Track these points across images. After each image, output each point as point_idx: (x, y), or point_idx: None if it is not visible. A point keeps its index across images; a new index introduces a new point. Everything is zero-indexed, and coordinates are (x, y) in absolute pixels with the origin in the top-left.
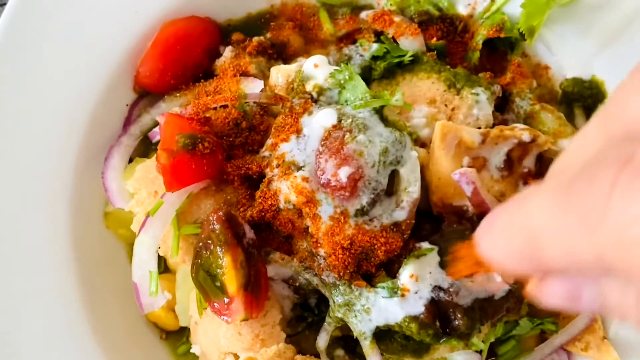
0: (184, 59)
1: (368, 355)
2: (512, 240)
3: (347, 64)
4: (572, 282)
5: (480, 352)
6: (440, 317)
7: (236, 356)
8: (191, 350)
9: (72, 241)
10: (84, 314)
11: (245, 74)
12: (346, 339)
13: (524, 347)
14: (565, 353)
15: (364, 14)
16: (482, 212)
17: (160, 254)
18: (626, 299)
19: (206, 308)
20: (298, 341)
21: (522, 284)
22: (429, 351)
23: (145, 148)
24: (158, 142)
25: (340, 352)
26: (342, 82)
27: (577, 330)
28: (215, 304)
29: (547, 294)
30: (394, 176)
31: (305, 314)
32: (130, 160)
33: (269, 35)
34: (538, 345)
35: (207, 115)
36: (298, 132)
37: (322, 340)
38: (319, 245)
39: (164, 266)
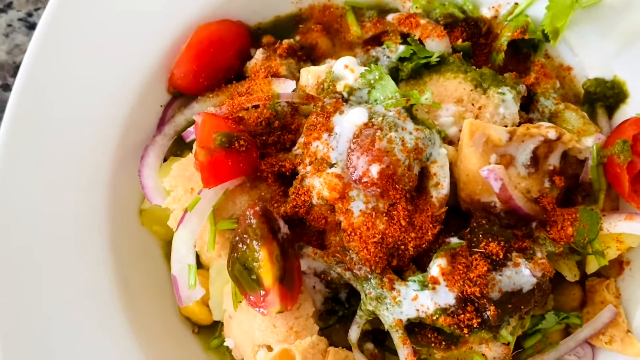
0: (217, 61)
1: (399, 348)
2: None
3: (378, 65)
4: None
5: (508, 344)
6: (471, 310)
7: (270, 348)
8: (224, 344)
9: (109, 237)
10: (120, 309)
11: (276, 75)
12: (375, 333)
13: (550, 341)
14: (590, 347)
15: (390, 17)
16: (509, 208)
17: (196, 249)
18: None
19: (241, 301)
20: (329, 334)
21: (548, 278)
22: (459, 343)
23: (178, 147)
24: (192, 141)
25: (370, 346)
26: (372, 82)
27: (601, 324)
28: (251, 296)
29: None
30: (423, 173)
31: (336, 307)
32: (165, 159)
33: (298, 37)
34: (563, 339)
35: (241, 115)
36: (330, 130)
37: (354, 333)
38: (351, 239)
39: (197, 262)
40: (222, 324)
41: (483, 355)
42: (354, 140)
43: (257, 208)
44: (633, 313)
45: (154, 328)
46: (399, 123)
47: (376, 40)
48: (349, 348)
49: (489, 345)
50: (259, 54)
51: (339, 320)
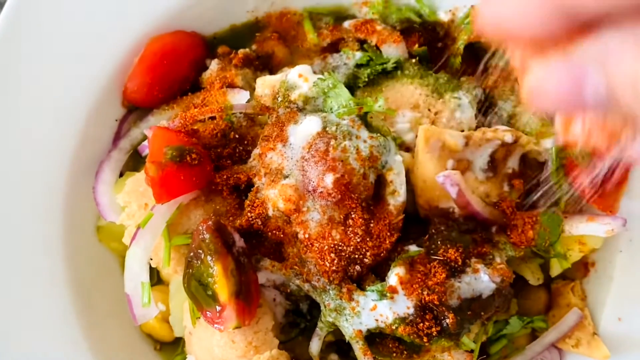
0: (171, 73)
1: (360, 359)
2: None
3: (331, 72)
4: (575, 65)
5: (471, 351)
6: (429, 318)
7: None
8: None
9: (65, 255)
10: (79, 327)
11: (231, 85)
12: (340, 344)
13: (516, 346)
14: (557, 350)
15: (346, 23)
16: (468, 213)
17: (153, 266)
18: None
19: (199, 317)
20: (292, 347)
21: (508, 283)
22: (421, 352)
23: (135, 162)
24: (147, 155)
25: (334, 357)
26: (325, 90)
27: (567, 328)
28: (207, 312)
29: (549, 81)
30: (380, 181)
31: (298, 319)
32: (121, 175)
33: (254, 47)
34: (529, 344)
35: (195, 127)
36: (284, 140)
37: (315, 345)
38: (308, 250)
39: (157, 278)
40: (184, 340)
41: None
42: (308, 150)
43: (210, 222)
44: (599, 315)
45: (114, 346)
46: (353, 131)
47: (334, 48)
48: None
49: (451, 353)
50: (214, 65)
51: (302, 332)
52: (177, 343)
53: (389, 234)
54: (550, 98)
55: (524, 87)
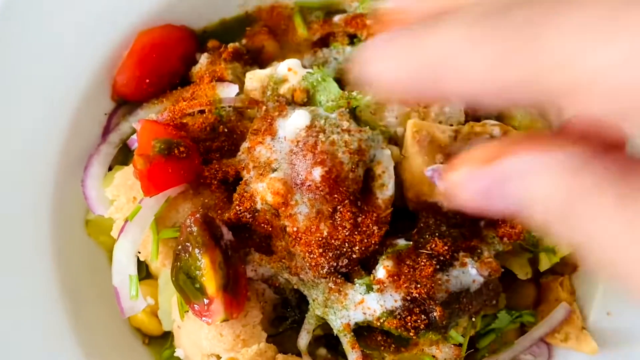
0: (160, 67)
1: (348, 352)
2: (409, 60)
3: (320, 66)
4: (490, 173)
5: (460, 345)
6: (417, 312)
7: (218, 357)
8: (175, 354)
9: (54, 249)
10: (66, 321)
11: (221, 79)
12: (328, 338)
13: (505, 340)
14: (545, 345)
15: (336, 18)
16: (456, 207)
17: (142, 259)
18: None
19: (187, 311)
20: (281, 341)
21: (496, 277)
22: (409, 346)
23: (124, 156)
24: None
25: (322, 351)
26: (314, 84)
27: (556, 322)
28: (195, 305)
29: (463, 180)
30: (368, 174)
31: (287, 313)
32: (110, 168)
33: (244, 41)
34: (518, 338)
35: (185, 121)
36: (273, 134)
37: (303, 340)
38: (296, 244)
39: (146, 272)
40: (173, 334)
41: (433, 357)
42: (296, 144)
43: (198, 215)
44: (588, 310)
45: (102, 340)
46: (341, 125)
47: (324, 42)
48: (301, 354)
49: (439, 347)
50: (203, 59)
51: (290, 326)
52: (166, 337)
53: (377, 227)
54: (469, 198)
55: (446, 179)
